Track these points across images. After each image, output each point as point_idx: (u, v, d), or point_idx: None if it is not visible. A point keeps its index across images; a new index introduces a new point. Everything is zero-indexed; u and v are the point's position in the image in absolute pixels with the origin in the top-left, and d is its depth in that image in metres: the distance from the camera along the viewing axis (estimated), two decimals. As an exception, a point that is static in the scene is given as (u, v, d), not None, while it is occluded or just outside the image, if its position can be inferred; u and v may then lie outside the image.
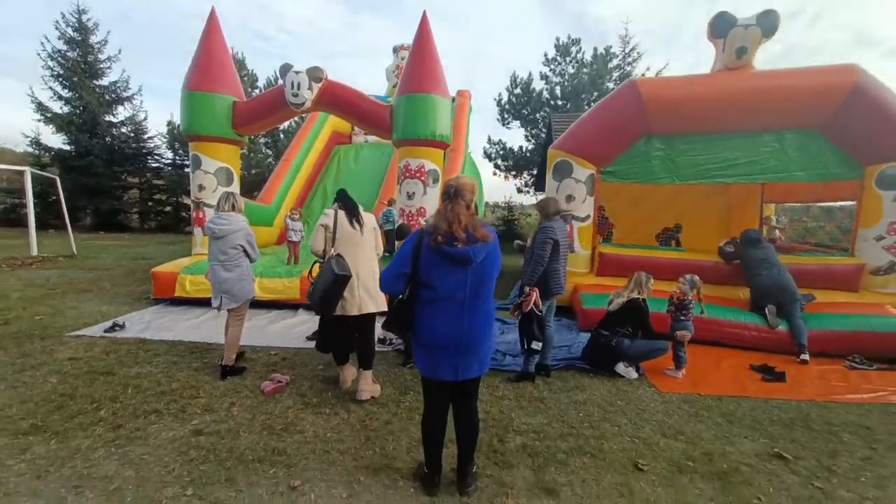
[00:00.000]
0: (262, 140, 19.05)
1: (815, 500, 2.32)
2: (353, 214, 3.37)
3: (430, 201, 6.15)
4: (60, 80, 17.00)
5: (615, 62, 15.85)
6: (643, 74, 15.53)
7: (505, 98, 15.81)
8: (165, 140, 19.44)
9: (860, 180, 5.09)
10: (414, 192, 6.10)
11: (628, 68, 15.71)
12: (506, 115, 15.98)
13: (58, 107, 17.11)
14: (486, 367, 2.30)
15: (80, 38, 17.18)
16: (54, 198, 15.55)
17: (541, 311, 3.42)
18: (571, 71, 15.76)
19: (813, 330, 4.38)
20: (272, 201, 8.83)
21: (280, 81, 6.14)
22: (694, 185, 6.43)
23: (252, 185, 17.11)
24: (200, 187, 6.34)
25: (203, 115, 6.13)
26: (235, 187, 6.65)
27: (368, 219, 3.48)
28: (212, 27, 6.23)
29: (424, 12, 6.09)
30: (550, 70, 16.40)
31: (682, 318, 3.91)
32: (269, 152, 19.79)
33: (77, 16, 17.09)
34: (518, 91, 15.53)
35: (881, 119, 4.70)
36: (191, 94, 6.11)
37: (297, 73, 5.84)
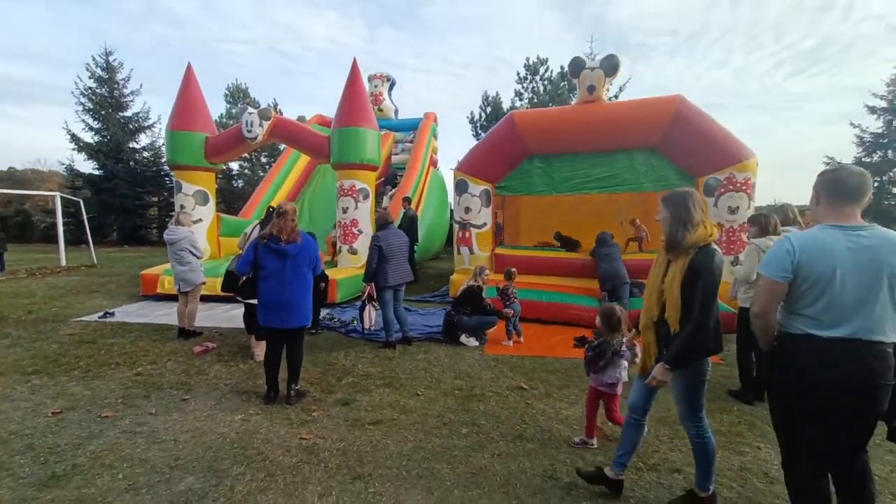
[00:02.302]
0: (264, 160, 20.97)
1: (518, 407, 3.50)
2: (263, 225, 4.73)
3: (361, 214, 7.51)
4: (91, 113, 19.39)
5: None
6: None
7: (477, 115, 17.18)
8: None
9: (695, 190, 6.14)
10: (348, 208, 7.48)
11: (594, 83, 16.76)
12: (479, 131, 17.32)
13: (89, 137, 19.50)
14: (305, 320, 3.62)
15: (107, 77, 19.56)
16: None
17: (375, 300, 4.72)
18: (541, 89, 16.98)
19: (634, 310, 5.47)
20: (251, 216, 10.36)
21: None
22: (610, 196, 7.53)
23: (254, 201, 18.94)
24: (182, 207, 7.89)
25: (182, 149, 7.72)
26: (211, 206, 8.21)
27: None
28: (189, 77, 7.84)
29: (354, 59, 7.52)
30: (523, 87, 17.66)
31: (508, 301, 5.10)
32: (272, 170, 21.68)
33: (105, 57, 19.51)
34: (489, 109, 16.84)
35: (698, 138, 5.79)
36: (172, 133, 7.71)
37: (250, 113, 7.36)
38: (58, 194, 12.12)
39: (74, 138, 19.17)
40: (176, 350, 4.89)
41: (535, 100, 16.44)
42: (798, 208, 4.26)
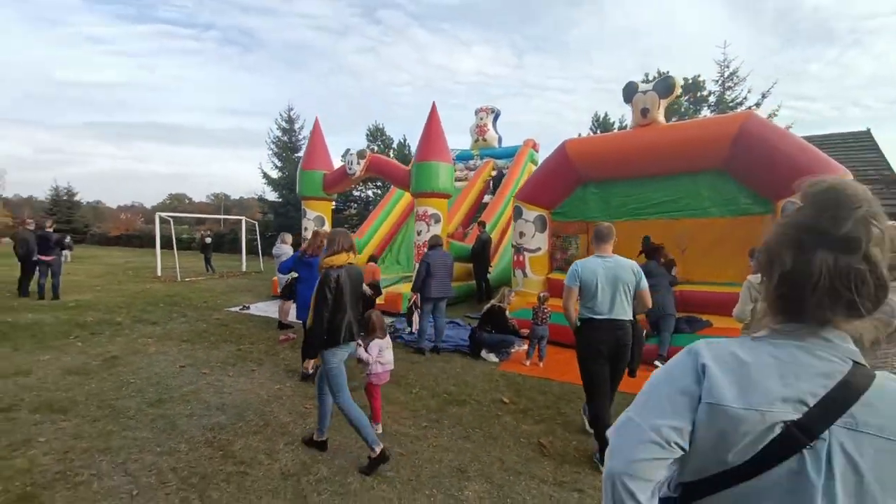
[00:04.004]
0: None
1: (487, 415, 3.83)
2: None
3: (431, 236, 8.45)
4: (277, 155, 25.32)
5: (713, 87, 15.18)
6: (745, 98, 14.49)
7: (585, 136, 16.76)
8: (335, 191, 26.43)
9: (772, 215, 5.31)
10: (421, 231, 8.53)
11: (727, 94, 14.85)
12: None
13: (274, 174, 25.42)
14: None
15: (288, 126, 25.36)
16: (267, 234, 23.64)
17: (420, 308, 5.47)
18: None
19: (673, 346, 5.04)
20: (364, 235, 12.34)
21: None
22: (670, 221, 6.81)
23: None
24: (306, 228, 10.08)
25: (308, 184, 9.94)
26: (326, 228, 10.23)
27: None
28: (315, 128, 10.13)
29: (433, 103, 8.65)
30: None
31: (538, 323, 5.26)
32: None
33: (288, 112, 25.39)
34: (599, 131, 16.32)
35: (770, 157, 5.05)
36: (302, 171, 10.02)
37: (350, 154, 9.10)
38: (242, 218, 16.36)
39: (265, 175, 25.27)
40: (270, 337, 6.50)
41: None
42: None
